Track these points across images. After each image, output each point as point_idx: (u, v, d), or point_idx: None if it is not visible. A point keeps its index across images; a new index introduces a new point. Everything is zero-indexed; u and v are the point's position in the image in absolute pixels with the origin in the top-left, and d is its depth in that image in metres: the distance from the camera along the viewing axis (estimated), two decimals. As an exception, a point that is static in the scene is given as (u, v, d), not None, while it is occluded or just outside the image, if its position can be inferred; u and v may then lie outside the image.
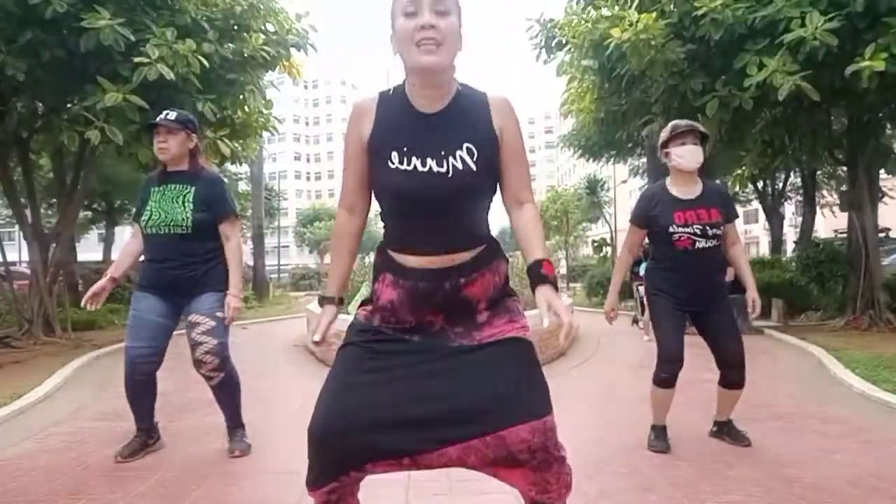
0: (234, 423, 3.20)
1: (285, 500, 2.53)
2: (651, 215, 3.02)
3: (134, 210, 3.14)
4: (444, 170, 1.48)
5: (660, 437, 3.09)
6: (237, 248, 3.09)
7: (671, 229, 2.93)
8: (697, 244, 2.92)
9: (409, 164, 1.48)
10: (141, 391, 3.04)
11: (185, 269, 2.95)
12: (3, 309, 8.33)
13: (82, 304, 3.00)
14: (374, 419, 1.44)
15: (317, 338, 1.59)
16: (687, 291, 2.96)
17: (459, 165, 1.48)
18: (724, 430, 3.18)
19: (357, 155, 1.57)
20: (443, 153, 1.48)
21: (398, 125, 1.52)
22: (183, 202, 2.94)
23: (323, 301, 1.64)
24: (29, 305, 7.56)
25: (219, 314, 2.95)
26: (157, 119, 2.99)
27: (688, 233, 2.91)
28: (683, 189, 3.00)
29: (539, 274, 1.53)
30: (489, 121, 1.54)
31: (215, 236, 3.03)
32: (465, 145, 1.49)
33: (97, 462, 3.01)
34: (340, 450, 1.45)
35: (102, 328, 9.03)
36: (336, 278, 1.66)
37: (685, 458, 2.94)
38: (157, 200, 2.97)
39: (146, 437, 3.15)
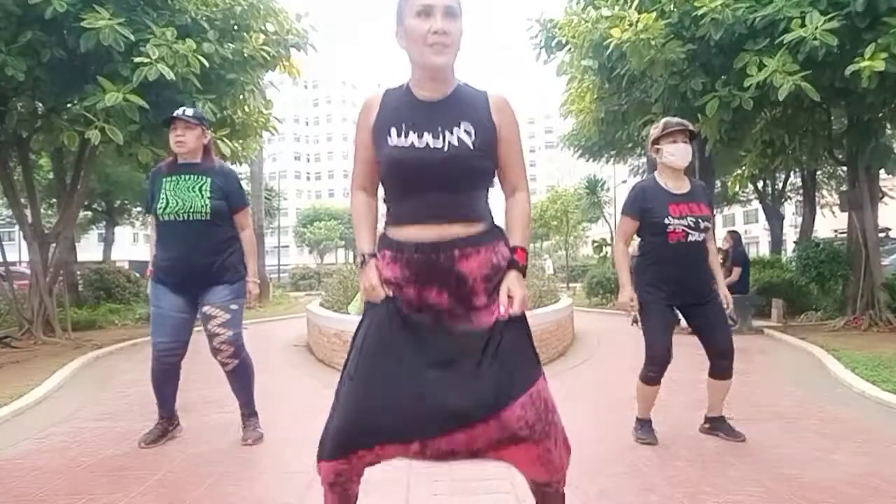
0: (249, 411, 3.35)
1: (285, 500, 2.53)
2: (646, 207, 3.05)
3: (146, 203, 3.25)
4: (440, 144, 1.58)
5: (646, 430, 3.19)
6: (252, 236, 3.31)
7: (667, 221, 2.98)
8: (690, 237, 2.98)
9: (406, 140, 1.59)
10: (166, 378, 3.19)
11: (202, 256, 3.05)
12: (3, 309, 8.33)
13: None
14: (393, 402, 1.53)
15: (380, 292, 1.62)
16: (678, 285, 3.00)
17: (456, 142, 1.58)
18: (718, 427, 3.20)
19: (365, 142, 1.70)
20: (440, 129, 1.59)
21: (399, 110, 1.64)
22: (200, 191, 3.06)
23: (364, 259, 1.68)
24: (29, 305, 7.56)
25: (233, 306, 3.12)
26: (176, 114, 3.09)
27: (682, 225, 2.97)
28: (673, 184, 3.07)
29: (511, 260, 1.66)
30: (488, 113, 1.64)
31: (230, 225, 3.18)
32: (463, 124, 1.60)
33: (97, 462, 3.01)
34: (359, 427, 1.54)
35: (102, 328, 9.03)
36: (368, 237, 1.73)
37: (685, 458, 2.94)
38: (171, 189, 3.05)
39: (167, 423, 3.30)
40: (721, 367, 3.08)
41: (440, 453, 1.54)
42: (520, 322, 1.62)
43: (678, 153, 3.01)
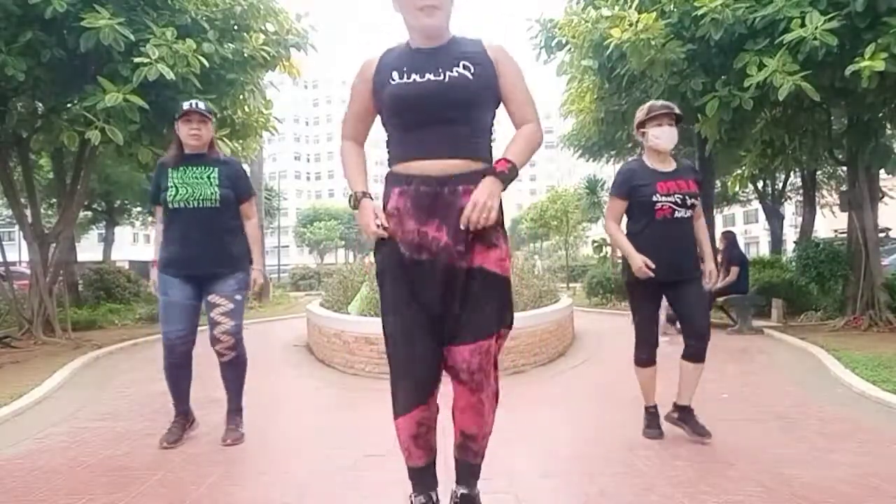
0: (235, 406, 3.37)
1: (285, 500, 2.53)
2: (634, 185, 3.10)
3: (152, 195, 3.31)
4: (441, 78, 1.69)
5: (652, 424, 3.24)
6: (257, 226, 3.45)
7: (655, 198, 3.03)
8: (677, 213, 3.04)
9: (408, 78, 1.70)
10: (180, 372, 3.25)
11: (210, 243, 3.13)
12: (3, 309, 8.32)
13: (153, 292, 3.27)
14: (426, 343, 1.76)
15: (381, 229, 1.74)
16: (665, 261, 3.00)
17: (456, 75, 1.69)
18: (685, 419, 3.19)
19: (362, 93, 1.82)
20: (440, 68, 1.70)
21: (399, 59, 1.77)
22: (209, 179, 3.16)
23: (360, 197, 1.80)
24: (29, 305, 7.56)
25: (237, 297, 3.19)
26: (193, 107, 3.17)
27: (670, 202, 3.03)
28: (660, 165, 3.13)
29: (490, 168, 1.75)
30: (484, 51, 1.77)
31: (236, 214, 3.29)
32: (462, 62, 1.71)
33: (97, 462, 3.01)
34: (415, 378, 1.78)
35: (102, 328, 9.03)
36: (360, 178, 1.89)
37: (685, 457, 2.94)
38: (179, 178, 3.14)
39: (184, 420, 3.34)
40: (695, 348, 3.12)
41: (449, 368, 1.80)
42: (500, 276, 1.77)
43: (663, 136, 3.07)
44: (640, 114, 3.17)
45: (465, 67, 1.69)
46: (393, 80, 1.71)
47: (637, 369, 3.26)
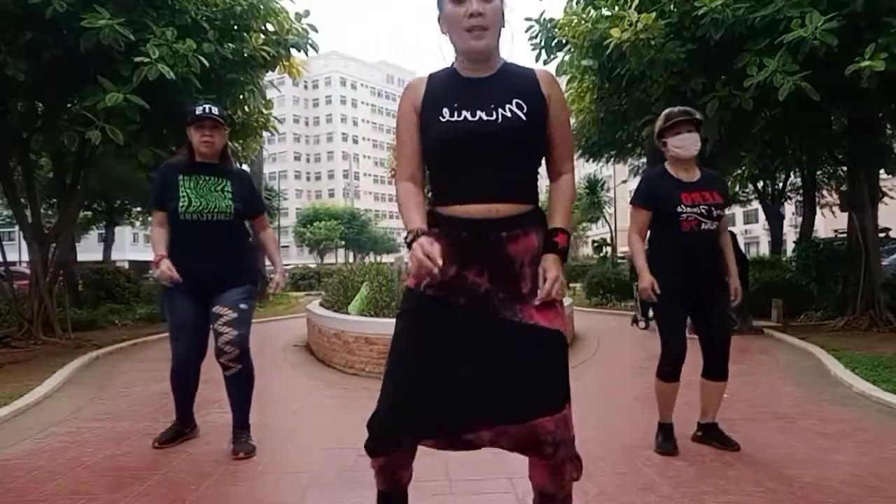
0: (241, 423, 3.15)
1: (285, 500, 2.53)
2: (657, 196, 2.99)
3: (154, 198, 3.10)
4: (493, 118, 1.57)
5: (668, 439, 3.07)
6: (273, 235, 3.45)
7: (679, 209, 2.91)
8: (703, 225, 2.92)
9: (459, 116, 1.58)
10: (187, 384, 3.20)
11: (221, 257, 3.01)
12: (3, 309, 8.32)
13: (170, 281, 2.93)
14: (428, 399, 1.55)
15: (440, 263, 1.47)
16: (691, 275, 2.92)
17: (509, 114, 1.57)
18: (712, 435, 3.11)
19: (410, 128, 1.67)
20: (492, 106, 1.58)
21: (448, 90, 1.66)
22: (223, 192, 3.04)
23: (419, 234, 1.54)
24: (29, 305, 7.56)
25: (242, 305, 3.05)
26: (207, 112, 3.00)
27: (695, 213, 2.91)
28: (684, 174, 3.01)
29: (550, 242, 1.63)
30: (537, 86, 1.64)
31: (245, 228, 3.23)
32: (515, 100, 1.59)
33: (97, 462, 3.01)
34: (397, 424, 1.59)
35: (103, 328, 9.03)
36: (418, 216, 1.61)
37: (685, 458, 2.94)
38: (192, 188, 2.99)
39: (183, 425, 3.28)
40: (717, 367, 3.04)
41: (463, 445, 1.60)
42: (561, 337, 1.61)
43: (683, 144, 2.95)
44: (659, 122, 3.06)
45: (518, 106, 1.57)
46: (443, 117, 1.58)
47: (658, 382, 3.07)
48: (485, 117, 1.56)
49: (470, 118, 1.56)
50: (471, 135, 1.56)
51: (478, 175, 1.57)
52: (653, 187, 3.04)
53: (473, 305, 1.58)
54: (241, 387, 3.11)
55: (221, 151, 3.12)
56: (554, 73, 8.83)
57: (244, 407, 3.15)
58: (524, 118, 1.57)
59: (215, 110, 3.03)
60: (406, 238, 1.59)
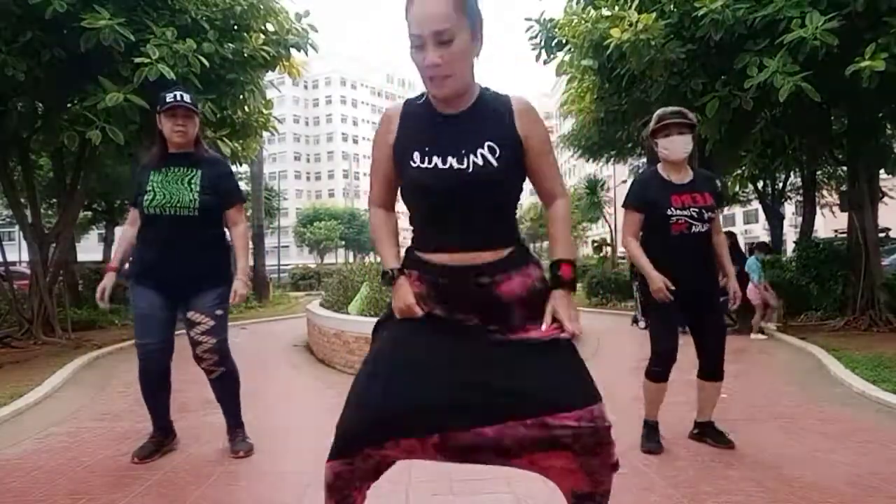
0: (235, 423, 3.16)
1: (285, 500, 2.53)
2: (648, 199, 2.99)
3: (134, 196, 3.00)
4: (464, 166, 1.50)
5: (651, 437, 3.09)
6: (244, 233, 3.09)
7: (669, 212, 2.91)
8: (693, 228, 2.92)
9: (429, 163, 1.52)
10: (156, 386, 2.99)
11: (186, 255, 2.85)
12: (3, 309, 8.32)
13: (98, 301, 2.92)
14: (409, 393, 1.45)
15: (416, 311, 1.55)
16: (683, 278, 2.90)
17: (480, 162, 1.50)
18: (707, 433, 3.14)
19: (383, 159, 1.63)
20: (463, 151, 1.51)
21: (421, 128, 1.58)
22: (189, 184, 2.86)
23: (393, 274, 1.60)
24: (29, 305, 7.56)
25: (218, 312, 2.93)
26: (179, 100, 2.86)
27: (685, 216, 2.91)
28: (675, 175, 3.01)
29: (554, 276, 1.56)
30: (512, 124, 1.56)
31: (218, 223, 2.99)
32: (487, 144, 1.52)
33: (97, 462, 3.01)
34: (366, 422, 1.46)
35: (103, 328, 9.02)
36: (392, 253, 1.65)
37: (685, 458, 2.94)
38: (158, 182, 2.86)
39: (162, 436, 3.12)
40: (712, 367, 3.05)
41: (462, 450, 1.46)
42: (561, 338, 1.53)
43: (672, 146, 2.95)
44: (651, 123, 3.06)
45: (490, 150, 1.50)
46: (414, 162, 1.53)
47: (646, 382, 3.08)
48: (455, 165, 1.50)
49: (441, 165, 1.50)
50: (442, 184, 1.50)
51: (452, 223, 1.52)
52: (643, 189, 3.03)
53: (466, 326, 1.54)
54: (226, 388, 3.08)
55: (197, 140, 2.99)
56: (554, 73, 8.81)
57: (234, 407, 3.14)
58: (495, 164, 1.50)
59: (187, 97, 2.89)
60: (382, 279, 1.62)
